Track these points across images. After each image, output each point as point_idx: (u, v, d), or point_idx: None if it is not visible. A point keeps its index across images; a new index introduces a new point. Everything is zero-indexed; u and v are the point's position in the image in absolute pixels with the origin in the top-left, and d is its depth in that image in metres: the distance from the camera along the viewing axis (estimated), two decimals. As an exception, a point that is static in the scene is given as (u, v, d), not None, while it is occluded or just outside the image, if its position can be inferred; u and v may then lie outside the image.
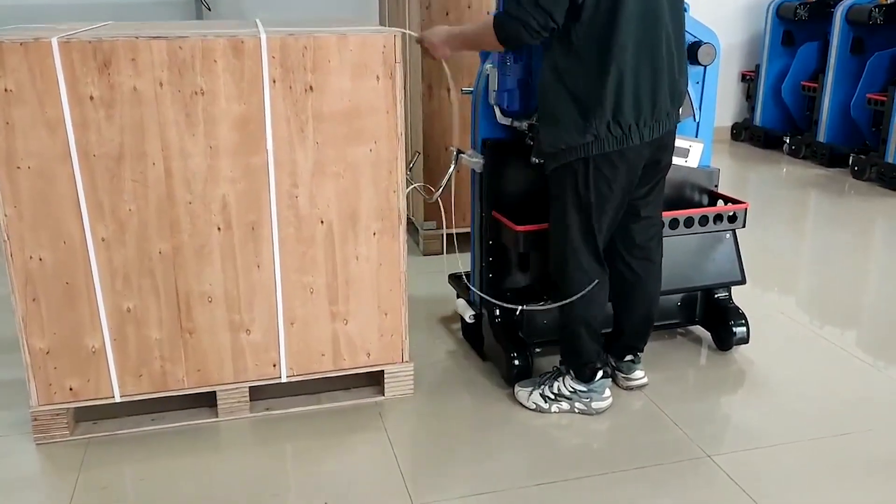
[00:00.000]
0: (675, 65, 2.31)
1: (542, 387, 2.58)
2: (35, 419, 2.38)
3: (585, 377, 2.53)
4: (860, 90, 5.54)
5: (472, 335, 3.01)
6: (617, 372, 2.71)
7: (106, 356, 2.38)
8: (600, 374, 2.54)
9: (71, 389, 2.39)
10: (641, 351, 2.71)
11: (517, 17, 2.15)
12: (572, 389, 2.54)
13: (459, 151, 2.78)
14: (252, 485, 2.23)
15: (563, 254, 2.43)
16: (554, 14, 2.12)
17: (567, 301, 2.45)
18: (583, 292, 2.42)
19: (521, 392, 2.61)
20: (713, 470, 2.29)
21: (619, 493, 2.21)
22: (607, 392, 2.57)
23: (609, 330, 2.79)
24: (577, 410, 2.55)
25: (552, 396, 2.56)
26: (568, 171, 2.31)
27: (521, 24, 2.15)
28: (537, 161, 2.45)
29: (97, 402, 2.43)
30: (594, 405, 2.55)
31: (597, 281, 2.43)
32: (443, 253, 3.92)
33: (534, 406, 2.58)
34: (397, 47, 2.34)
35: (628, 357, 2.69)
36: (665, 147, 2.43)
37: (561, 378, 2.57)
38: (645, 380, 2.70)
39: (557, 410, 2.56)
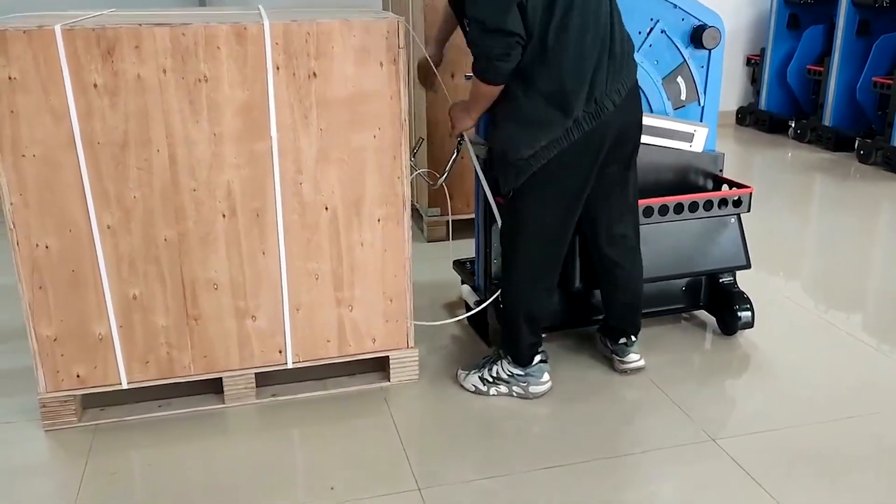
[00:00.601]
0: (611, 17, 2.27)
1: (482, 370, 2.62)
2: (43, 406, 2.40)
3: (523, 362, 2.56)
4: (866, 73, 5.51)
5: (476, 321, 3.02)
6: (613, 356, 2.73)
7: (113, 343, 2.39)
8: (538, 358, 2.58)
9: (78, 376, 2.40)
10: (635, 334, 2.72)
11: (483, 55, 2.19)
12: (510, 373, 2.57)
13: (462, 137, 2.78)
14: (259, 470, 2.25)
15: (514, 252, 2.47)
16: (507, 26, 2.10)
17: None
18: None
19: (462, 374, 2.66)
20: (717, 453, 2.29)
21: (623, 476, 2.22)
22: (545, 377, 2.59)
23: (602, 316, 2.79)
24: (514, 394, 2.58)
25: (490, 380, 2.60)
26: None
27: (488, 58, 2.17)
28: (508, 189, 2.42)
29: (104, 388, 2.44)
30: (531, 389, 2.57)
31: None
32: (447, 239, 3.93)
33: (473, 388, 2.61)
34: (401, 33, 2.33)
35: (622, 340, 2.70)
36: (632, 111, 2.39)
37: (499, 362, 2.60)
38: (641, 362, 2.71)
39: (496, 393, 2.59)
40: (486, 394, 2.60)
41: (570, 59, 2.19)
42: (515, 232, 2.45)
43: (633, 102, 2.38)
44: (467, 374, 2.64)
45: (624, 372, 2.71)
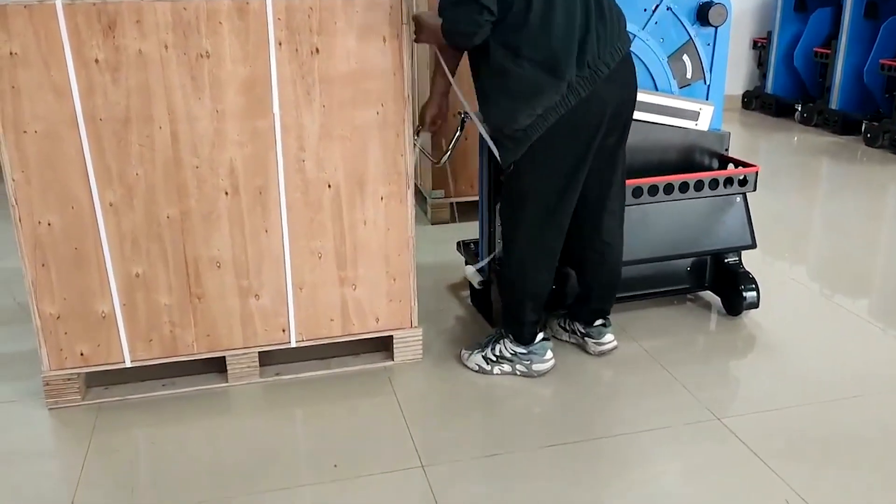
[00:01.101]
0: None
1: (485, 349, 2.61)
2: (47, 384, 2.40)
3: (525, 340, 2.55)
4: (874, 56, 5.47)
5: (480, 301, 3.01)
6: (587, 338, 2.70)
7: (116, 321, 2.39)
8: (540, 336, 2.57)
9: (82, 355, 2.40)
10: (609, 314, 2.70)
11: (450, 30, 2.20)
12: (513, 352, 2.57)
13: (466, 115, 2.75)
14: (262, 449, 2.24)
15: (516, 228, 2.44)
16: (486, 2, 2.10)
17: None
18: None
19: (465, 354, 2.65)
20: (723, 433, 2.28)
21: (628, 456, 2.21)
22: (549, 354, 2.58)
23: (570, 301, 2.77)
24: (518, 372, 2.58)
25: (494, 358, 2.59)
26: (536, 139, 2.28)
27: (453, 32, 2.19)
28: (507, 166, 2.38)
29: (108, 367, 2.44)
30: (535, 367, 2.56)
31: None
32: (451, 222, 3.92)
33: (476, 368, 2.60)
34: (404, 8, 2.31)
35: (598, 322, 2.68)
36: (628, 78, 2.36)
37: (502, 341, 2.58)
38: (615, 343, 2.69)
39: (500, 372, 2.58)
40: (490, 373, 2.59)
41: (559, 24, 2.16)
42: (516, 208, 2.42)
43: (627, 73, 2.35)
44: (471, 354, 2.63)
45: (601, 354, 2.68)
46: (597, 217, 2.51)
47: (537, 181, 2.34)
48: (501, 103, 2.28)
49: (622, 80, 2.32)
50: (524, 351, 2.56)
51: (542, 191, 2.36)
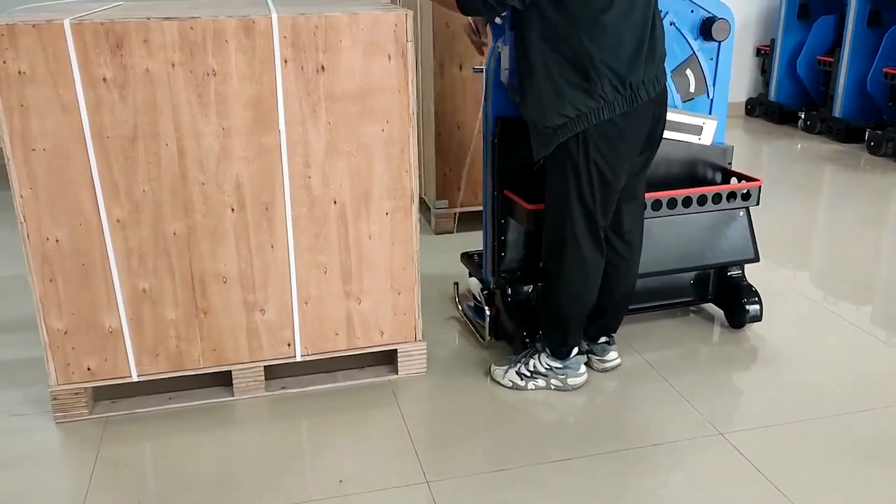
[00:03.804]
0: (651, 16, 2.27)
1: (518, 364, 2.60)
2: (54, 398, 2.41)
3: (562, 354, 2.55)
4: (877, 64, 5.48)
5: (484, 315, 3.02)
6: (590, 355, 2.70)
7: (123, 336, 2.41)
8: (575, 350, 2.57)
9: (89, 369, 2.42)
10: (615, 332, 2.71)
11: None
12: (548, 366, 2.56)
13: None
14: (268, 462, 2.26)
15: (561, 240, 2.41)
16: None
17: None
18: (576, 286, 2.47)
19: (497, 371, 2.64)
20: (726, 448, 2.29)
21: (631, 471, 2.22)
22: (582, 368, 2.59)
23: None
24: (553, 387, 2.58)
25: (528, 374, 2.58)
26: (571, 144, 2.27)
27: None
28: (540, 158, 2.39)
29: (115, 381, 2.45)
30: (570, 381, 2.57)
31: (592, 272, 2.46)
32: (455, 231, 3.94)
33: (510, 384, 2.60)
34: (409, 26, 2.33)
35: (603, 339, 2.68)
36: (663, 105, 2.39)
37: (537, 356, 2.58)
38: (619, 361, 2.70)
39: (534, 387, 2.58)
40: (524, 388, 2.58)
41: (610, 39, 2.17)
42: (560, 217, 2.39)
43: (663, 98, 2.38)
44: (505, 371, 2.62)
45: (604, 371, 2.69)
46: (618, 234, 2.51)
47: (577, 188, 2.32)
48: (536, 99, 2.29)
49: (658, 105, 2.34)
50: (560, 365, 2.56)
51: (582, 199, 2.33)
